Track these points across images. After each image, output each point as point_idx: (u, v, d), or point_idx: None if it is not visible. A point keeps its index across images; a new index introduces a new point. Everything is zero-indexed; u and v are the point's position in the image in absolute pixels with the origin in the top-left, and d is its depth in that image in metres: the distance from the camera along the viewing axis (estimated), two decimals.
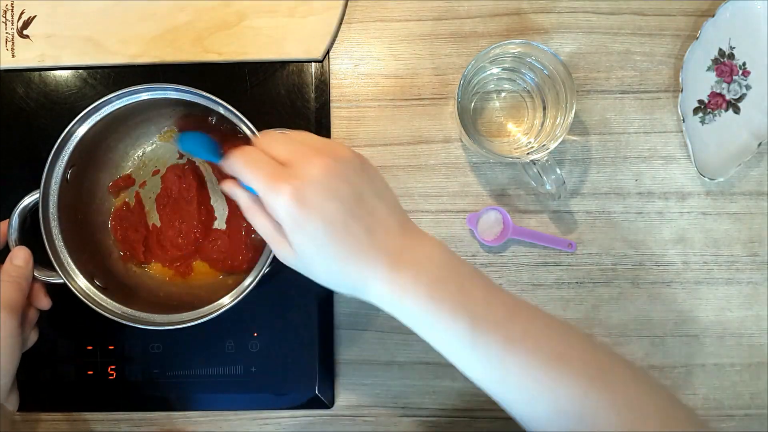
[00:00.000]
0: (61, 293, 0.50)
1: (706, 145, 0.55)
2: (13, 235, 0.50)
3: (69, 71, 0.58)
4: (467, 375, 0.39)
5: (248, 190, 0.40)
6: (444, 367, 0.56)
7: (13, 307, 0.47)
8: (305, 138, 0.40)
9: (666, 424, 0.36)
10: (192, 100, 0.50)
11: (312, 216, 0.36)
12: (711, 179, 0.55)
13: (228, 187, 0.42)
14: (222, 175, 0.55)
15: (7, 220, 0.50)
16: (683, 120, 0.55)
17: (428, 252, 0.38)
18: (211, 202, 0.56)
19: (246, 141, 0.43)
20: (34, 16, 0.57)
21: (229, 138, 0.49)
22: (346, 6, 0.58)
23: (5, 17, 0.57)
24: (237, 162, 0.39)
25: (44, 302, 0.51)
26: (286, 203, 0.36)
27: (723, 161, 0.55)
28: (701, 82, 0.55)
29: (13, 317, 0.46)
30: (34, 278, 0.50)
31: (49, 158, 0.49)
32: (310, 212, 0.36)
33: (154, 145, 0.56)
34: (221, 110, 0.49)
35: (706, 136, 0.55)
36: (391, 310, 0.38)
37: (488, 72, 0.55)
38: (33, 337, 0.51)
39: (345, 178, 0.37)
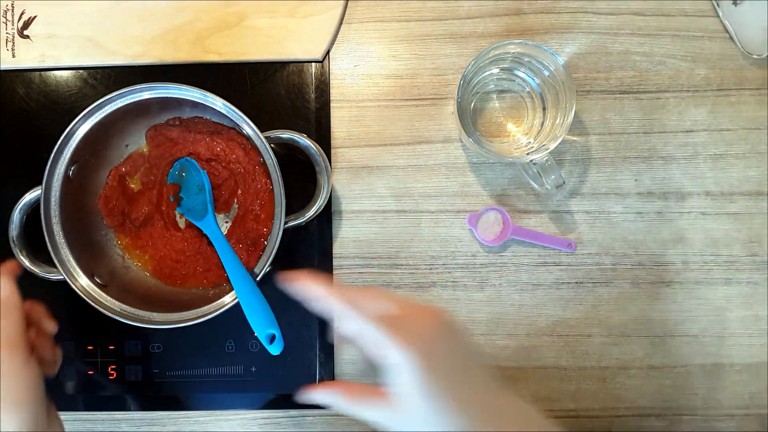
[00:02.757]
0: (61, 292, 0.50)
1: (745, 24, 0.56)
2: (14, 232, 0.50)
3: (69, 71, 0.58)
4: None
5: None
6: None
7: (9, 341, 0.42)
8: (395, 296, 0.39)
9: None
10: (193, 99, 0.50)
11: (436, 374, 0.36)
12: (759, 56, 0.55)
13: (318, 392, 0.39)
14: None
15: (13, 261, 0.46)
16: (718, 5, 0.56)
17: (516, 412, 0.39)
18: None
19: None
20: (35, 17, 0.57)
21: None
22: (346, 6, 0.58)
23: (5, 17, 0.57)
24: (359, 319, 0.37)
25: (50, 326, 0.48)
26: (413, 362, 0.35)
27: (763, 36, 0.56)
28: None
29: (15, 353, 0.42)
30: (31, 296, 0.47)
31: (52, 155, 0.49)
32: (434, 371, 0.36)
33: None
34: (222, 109, 0.49)
35: (742, 15, 0.56)
36: None
37: (488, 72, 0.55)
38: (56, 356, 0.47)
39: (455, 335, 0.38)
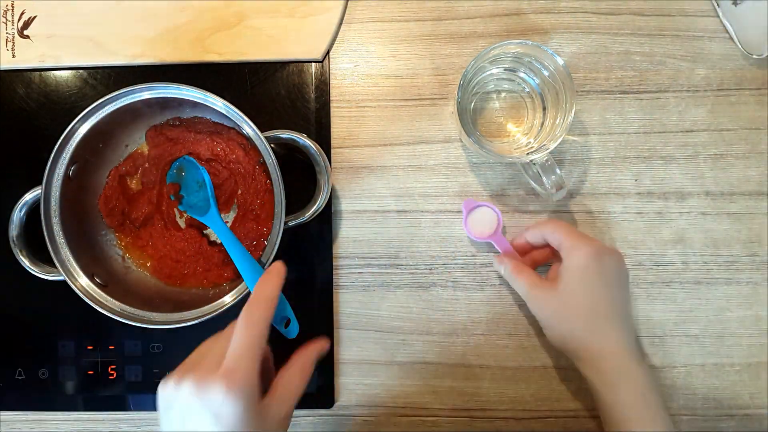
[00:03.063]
0: (61, 292, 0.50)
1: (744, 25, 0.56)
2: (14, 231, 0.50)
3: (69, 71, 0.58)
4: None
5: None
6: (444, 367, 0.56)
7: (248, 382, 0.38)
8: None
9: None
10: (193, 99, 0.50)
11: (599, 270, 0.48)
12: (759, 56, 0.56)
13: (499, 260, 0.54)
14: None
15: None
16: (718, 5, 0.57)
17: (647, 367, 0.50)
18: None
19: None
20: (35, 17, 0.57)
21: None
22: (346, 6, 0.58)
23: (5, 17, 0.58)
24: (552, 224, 0.51)
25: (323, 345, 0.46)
26: (590, 251, 0.48)
27: (762, 36, 0.56)
28: None
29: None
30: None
31: (52, 154, 0.49)
32: (600, 266, 0.48)
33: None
34: (222, 109, 0.49)
35: (742, 15, 0.56)
36: (601, 380, 0.48)
37: (488, 72, 0.55)
38: (300, 381, 0.43)
39: (622, 272, 0.51)
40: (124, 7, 0.57)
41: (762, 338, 0.56)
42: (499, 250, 0.55)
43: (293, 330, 0.48)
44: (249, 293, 0.49)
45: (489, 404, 0.56)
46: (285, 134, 0.51)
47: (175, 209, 0.56)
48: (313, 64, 0.57)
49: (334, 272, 0.57)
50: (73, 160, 0.51)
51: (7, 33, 0.57)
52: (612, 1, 0.57)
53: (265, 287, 0.42)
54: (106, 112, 0.50)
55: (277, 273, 0.44)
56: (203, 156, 0.56)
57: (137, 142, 0.56)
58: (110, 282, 0.52)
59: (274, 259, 0.49)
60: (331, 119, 0.57)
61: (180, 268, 0.55)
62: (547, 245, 0.53)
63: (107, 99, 0.50)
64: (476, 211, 0.56)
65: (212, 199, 0.53)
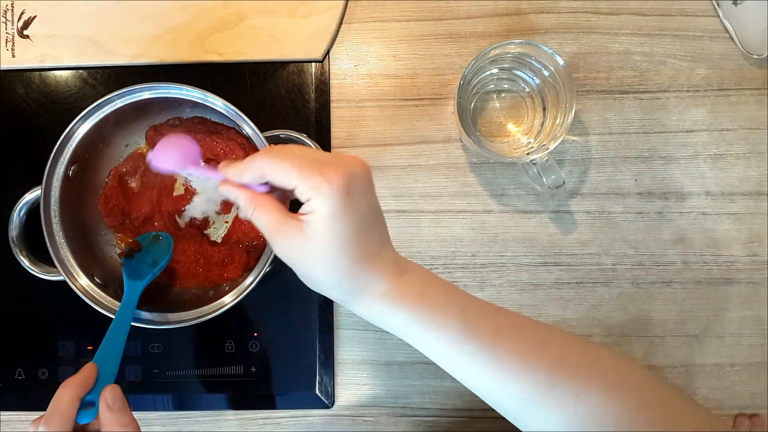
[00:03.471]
0: (61, 292, 0.50)
1: (745, 24, 0.56)
2: (14, 231, 0.50)
3: (69, 71, 0.58)
4: (461, 379, 0.39)
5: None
6: None
7: None
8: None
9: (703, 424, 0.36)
10: (193, 99, 0.50)
11: (350, 209, 0.36)
12: (759, 56, 0.55)
13: (228, 189, 0.40)
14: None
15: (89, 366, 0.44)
16: (718, 5, 0.56)
17: (416, 267, 0.40)
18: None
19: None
20: (34, 17, 0.57)
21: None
22: (346, 6, 0.58)
23: (5, 17, 0.57)
24: (266, 159, 0.37)
25: None
26: (336, 189, 0.35)
27: (762, 35, 0.56)
28: None
29: None
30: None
31: (51, 154, 0.49)
32: (350, 205, 0.36)
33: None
34: (222, 109, 0.49)
35: (742, 15, 0.56)
36: (378, 315, 0.38)
37: (488, 72, 0.55)
38: None
39: (371, 184, 0.38)
40: (124, 7, 0.57)
41: (762, 338, 0.56)
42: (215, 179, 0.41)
43: (87, 416, 0.42)
44: (247, 294, 0.49)
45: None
46: (285, 134, 0.51)
47: (175, 213, 0.56)
48: (313, 64, 0.57)
49: None
50: (73, 160, 0.51)
51: (6, 33, 0.57)
52: (612, 1, 0.57)
53: (63, 394, 0.41)
54: (106, 112, 0.50)
55: (82, 377, 0.42)
56: (203, 156, 0.56)
57: (137, 142, 0.56)
58: (110, 282, 0.52)
59: (273, 260, 0.49)
60: (331, 119, 0.57)
61: (180, 268, 0.55)
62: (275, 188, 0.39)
63: (107, 99, 0.49)
64: (164, 143, 0.44)
65: (150, 277, 0.50)
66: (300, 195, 0.37)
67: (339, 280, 0.38)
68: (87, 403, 0.42)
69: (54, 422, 0.40)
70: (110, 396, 0.42)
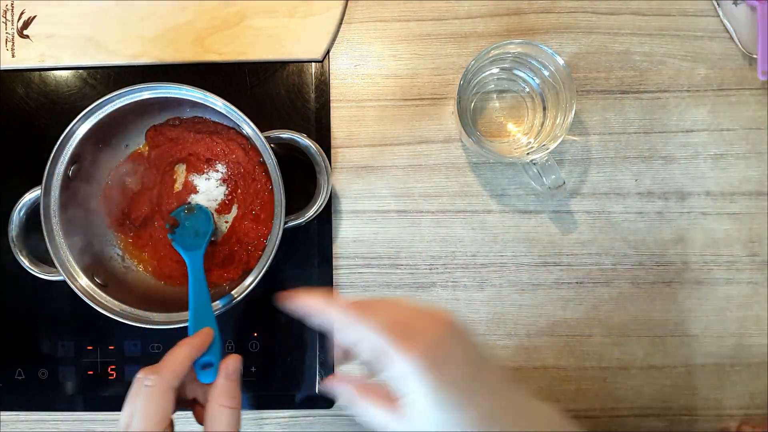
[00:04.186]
0: (61, 292, 0.50)
1: (745, 24, 0.56)
2: (14, 231, 0.50)
3: (69, 71, 0.58)
4: None
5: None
6: None
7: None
8: (403, 303, 0.38)
9: None
10: (193, 99, 0.50)
11: (444, 376, 0.34)
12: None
13: (334, 383, 0.39)
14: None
15: (207, 329, 0.46)
16: (718, 5, 0.56)
17: (549, 414, 0.38)
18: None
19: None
20: (34, 16, 0.57)
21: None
22: (346, 6, 0.58)
23: (5, 17, 0.57)
24: (357, 321, 0.36)
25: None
26: (418, 365, 0.34)
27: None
28: None
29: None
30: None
31: (52, 154, 0.49)
32: (443, 372, 0.34)
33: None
34: (222, 109, 0.49)
35: (742, 15, 0.56)
36: None
37: (488, 72, 0.55)
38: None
39: (464, 336, 0.36)
40: (124, 7, 0.57)
41: (762, 338, 0.56)
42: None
43: (210, 376, 0.44)
44: (247, 294, 0.49)
45: None
46: (285, 134, 0.51)
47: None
48: (313, 64, 0.57)
49: (334, 272, 0.57)
50: (73, 160, 0.51)
51: (6, 33, 0.57)
52: (612, 1, 0.57)
53: (179, 352, 0.43)
54: (105, 112, 0.50)
55: (201, 340, 0.45)
56: (203, 156, 0.56)
57: (137, 142, 0.56)
58: (110, 282, 0.52)
59: (274, 260, 0.49)
60: (331, 119, 0.57)
61: (180, 268, 0.55)
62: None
63: (107, 99, 0.50)
64: None
65: (204, 245, 0.52)
66: (386, 368, 0.35)
67: None
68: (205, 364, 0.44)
69: (166, 375, 0.41)
70: (232, 365, 0.44)
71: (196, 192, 0.56)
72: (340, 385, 0.38)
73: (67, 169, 0.51)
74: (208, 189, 0.56)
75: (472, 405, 0.35)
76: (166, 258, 0.55)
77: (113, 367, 0.56)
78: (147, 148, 0.56)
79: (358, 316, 0.36)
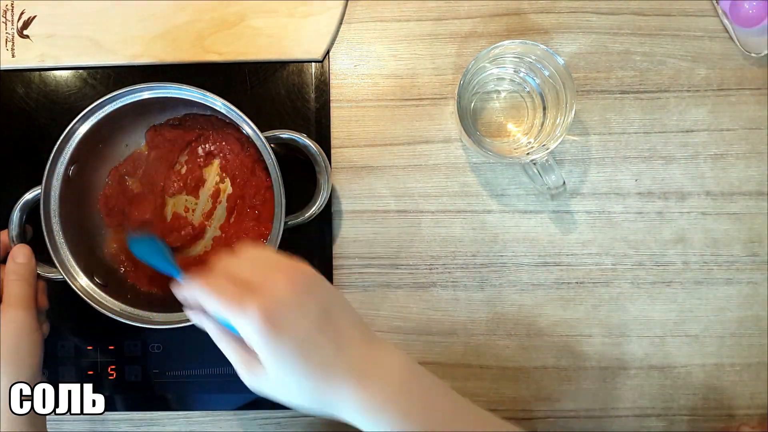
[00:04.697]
0: (61, 291, 0.50)
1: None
2: (14, 231, 0.50)
3: (69, 71, 0.58)
4: None
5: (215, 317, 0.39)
6: (444, 368, 0.56)
7: (28, 303, 0.48)
8: (260, 255, 0.39)
9: None
10: (193, 98, 0.50)
11: (283, 334, 0.35)
12: (757, 54, 0.55)
13: (197, 318, 0.40)
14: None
15: (6, 230, 0.51)
16: (717, 3, 0.56)
17: (394, 363, 0.38)
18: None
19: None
20: (34, 16, 0.57)
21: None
22: (346, 6, 0.58)
23: (5, 17, 0.57)
24: (198, 289, 0.38)
25: (43, 301, 0.51)
26: (256, 324, 0.35)
27: (761, 34, 0.56)
28: None
29: (31, 313, 0.47)
30: (38, 276, 0.50)
31: (52, 154, 0.49)
32: (280, 330, 0.35)
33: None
34: (222, 109, 0.49)
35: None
36: (363, 427, 0.37)
37: (488, 72, 0.55)
38: (45, 329, 0.51)
39: (309, 293, 0.37)
40: (124, 7, 0.57)
41: (762, 338, 0.56)
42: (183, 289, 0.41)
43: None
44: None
45: (489, 404, 0.56)
46: (285, 134, 0.51)
47: (173, 210, 0.56)
48: (313, 64, 0.57)
49: (334, 272, 0.57)
50: (73, 160, 0.51)
51: (6, 33, 0.57)
52: (612, 1, 0.57)
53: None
54: (106, 112, 0.50)
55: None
56: (202, 154, 0.56)
57: (137, 142, 0.56)
58: (110, 282, 0.52)
59: None
60: (331, 119, 0.57)
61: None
62: None
63: (107, 99, 0.50)
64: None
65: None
66: (236, 329, 0.36)
67: (310, 399, 0.37)
68: None
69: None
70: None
71: (196, 191, 0.56)
72: (208, 322, 0.39)
73: (67, 169, 0.51)
74: (207, 188, 0.56)
75: (315, 363, 0.36)
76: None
77: (113, 367, 0.56)
78: (147, 148, 0.56)
79: (200, 285, 0.37)
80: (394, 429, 0.36)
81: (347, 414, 0.37)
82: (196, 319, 0.40)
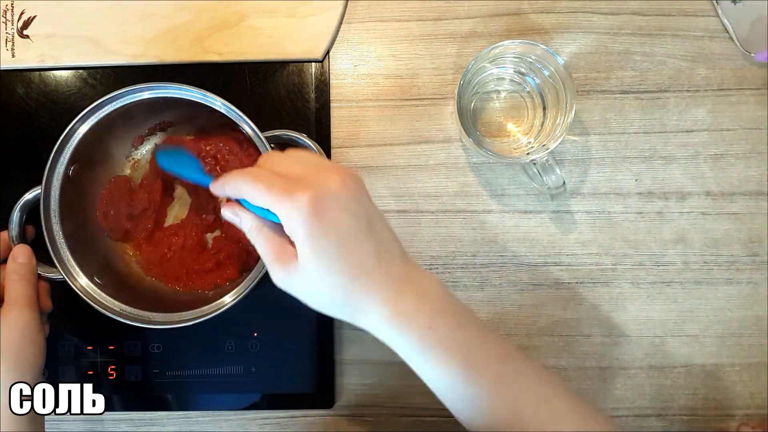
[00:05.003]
0: (61, 291, 0.50)
1: (744, 23, 0.56)
2: (14, 231, 0.50)
3: (69, 71, 0.58)
4: (455, 413, 0.39)
5: (252, 210, 0.39)
6: None
7: (31, 302, 0.48)
8: (311, 157, 0.39)
9: None
10: (193, 99, 0.50)
11: (328, 226, 0.35)
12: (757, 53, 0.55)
13: (231, 212, 0.40)
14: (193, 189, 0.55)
15: (6, 231, 0.51)
16: (717, 5, 0.56)
17: (428, 284, 0.39)
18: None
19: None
20: (34, 16, 0.57)
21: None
22: (346, 6, 0.58)
23: (5, 17, 0.57)
24: (243, 179, 0.37)
25: (47, 304, 0.51)
26: (304, 211, 0.35)
27: (761, 34, 0.56)
28: None
29: (34, 313, 0.48)
30: (39, 276, 0.50)
31: (52, 154, 0.49)
32: (326, 222, 0.35)
33: (155, 144, 0.56)
34: (222, 109, 0.49)
35: (741, 14, 0.56)
36: (386, 338, 0.38)
37: (488, 72, 0.55)
38: (45, 330, 0.51)
39: (358, 196, 0.37)
40: (124, 7, 0.57)
41: (762, 338, 0.56)
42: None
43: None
44: (247, 294, 0.49)
45: None
46: (285, 134, 0.51)
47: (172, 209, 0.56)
48: (313, 64, 0.57)
49: None
50: (73, 160, 0.51)
51: (6, 33, 0.57)
52: (612, 1, 0.57)
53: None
54: (106, 112, 0.50)
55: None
56: (202, 154, 0.56)
57: (137, 143, 0.56)
58: (110, 282, 0.52)
59: None
60: (331, 119, 0.57)
61: (180, 269, 0.55)
62: None
63: (107, 99, 0.49)
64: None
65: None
66: (280, 219, 0.36)
67: (340, 299, 0.37)
68: None
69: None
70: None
71: (196, 191, 0.56)
72: (244, 213, 0.39)
73: (67, 169, 0.50)
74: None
75: (353, 263, 0.36)
76: (166, 258, 0.55)
77: (113, 367, 0.56)
78: (150, 154, 0.56)
79: (246, 176, 0.37)
80: (419, 341, 0.37)
81: (372, 322, 0.37)
82: (231, 213, 0.40)
